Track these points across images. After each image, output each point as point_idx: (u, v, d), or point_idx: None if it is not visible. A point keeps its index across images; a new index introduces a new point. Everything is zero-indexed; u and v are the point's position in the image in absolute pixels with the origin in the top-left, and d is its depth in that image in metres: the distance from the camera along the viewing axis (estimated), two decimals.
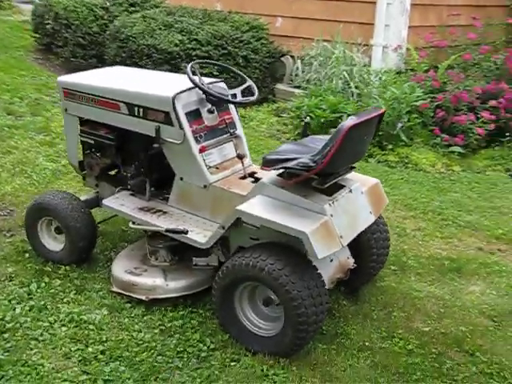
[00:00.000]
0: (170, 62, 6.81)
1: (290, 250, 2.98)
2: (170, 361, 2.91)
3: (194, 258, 3.39)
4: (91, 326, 3.11)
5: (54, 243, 3.68)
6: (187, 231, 3.21)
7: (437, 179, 5.48)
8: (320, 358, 2.99)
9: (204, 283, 3.39)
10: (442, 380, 2.91)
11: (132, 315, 3.24)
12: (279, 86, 7.40)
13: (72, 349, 2.94)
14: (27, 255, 3.71)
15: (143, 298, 3.30)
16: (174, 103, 3.22)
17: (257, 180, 3.38)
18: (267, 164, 3.05)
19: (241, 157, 3.48)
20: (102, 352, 2.93)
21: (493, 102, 5.95)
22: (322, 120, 5.91)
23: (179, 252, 3.53)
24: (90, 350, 2.94)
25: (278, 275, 2.82)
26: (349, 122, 2.80)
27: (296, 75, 7.21)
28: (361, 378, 2.88)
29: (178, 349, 2.99)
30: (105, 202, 3.59)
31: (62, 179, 4.88)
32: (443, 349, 3.13)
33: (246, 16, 7.60)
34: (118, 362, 2.87)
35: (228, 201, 3.26)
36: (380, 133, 5.80)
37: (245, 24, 7.35)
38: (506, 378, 2.94)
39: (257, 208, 2.97)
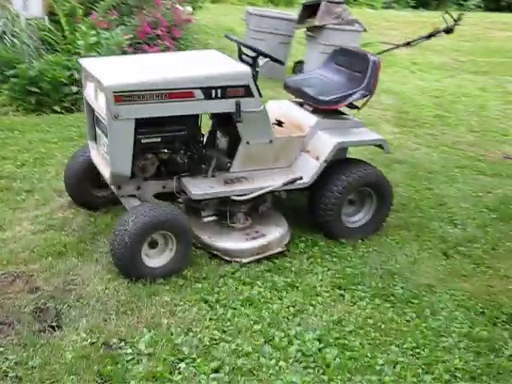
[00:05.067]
0: None
1: (360, 160, 4.14)
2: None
3: (260, 207, 3.95)
4: (318, 299, 3.38)
5: (150, 260, 3.40)
6: (301, 177, 3.80)
7: None
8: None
9: None
10: None
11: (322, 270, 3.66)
12: None
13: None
14: (140, 284, 3.29)
15: (280, 250, 3.74)
16: (253, 75, 3.56)
17: (280, 124, 4.10)
18: (334, 103, 3.94)
19: None
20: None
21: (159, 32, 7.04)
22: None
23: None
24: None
25: (382, 177, 4.01)
26: (376, 57, 4.05)
27: None
28: None
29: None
30: (195, 192, 3.54)
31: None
32: None
33: None
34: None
35: (291, 145, 3.93)
36: None
37: None
38: None
39: (342, 136, 3.91)
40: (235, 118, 3.56)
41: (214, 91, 3.44)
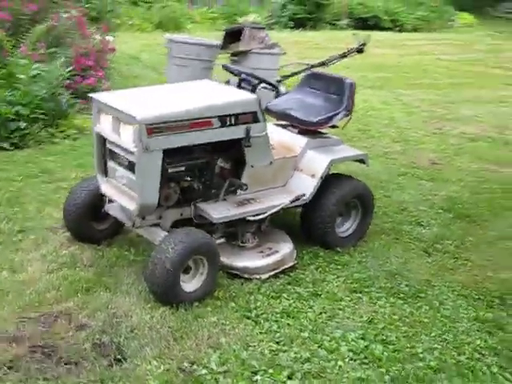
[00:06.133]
0: None
1: (345, 174, 4.51)
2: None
3: (262, 226, 4.20)
4: (342, 303, 3.68)
5: (186, 285, 3.51)
6: (305, 194, 4.08)
7: None
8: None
9: None
10: None
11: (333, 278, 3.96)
12: None
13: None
14: (182, 309, 3.40)
15: (292, 263, 4.00)
16: (259, 102, 3.82)
17: None
18: (321, 124, 4.29)
19: None
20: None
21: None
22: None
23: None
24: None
25: (367, 188, 4.42)
26: (351, 79, 4.47)
27: None
28: None
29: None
30: (216, 216, 3.70)
31: None
32: None
33: None
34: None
35: (287, 165, 4.23)
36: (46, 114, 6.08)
37: None
38: None
39: (332, 154, 4.27)
40: (244, 144, 3.78)
41: (228, 119, 3.65)
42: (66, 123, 6.18)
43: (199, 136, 3.56)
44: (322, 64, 4.88)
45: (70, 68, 6.47)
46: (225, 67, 4.19)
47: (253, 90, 3.95)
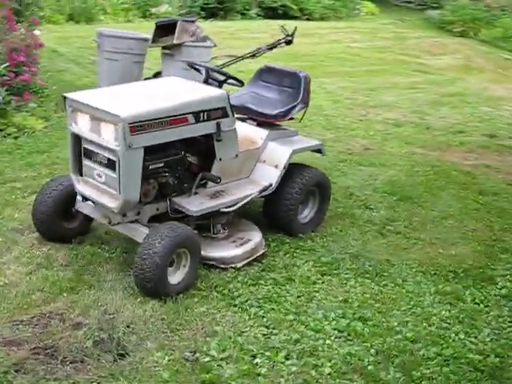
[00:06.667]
0: None
1: (304, 164, 4.73)
2: None
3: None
4: (317, 286, 3.92)
5: (171, 278, 3.61)
6: (272, 183, 4.26)
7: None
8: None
9: None
10: None
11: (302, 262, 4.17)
12: None
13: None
14: (170, 302, 3.50)
15: (263, 251, 4.18)
16: (228, 98, 3.96)
17: None
18: (282, 116, 4.49)
19: None
20: None
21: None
22: None
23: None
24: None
25: (325, 176, 4.67)
26: (305, 73, 4.70)
27: None
28: None
29: None
30: (194, 209, 3.81)
31: None
32: None
33: None
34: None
35: (250, 157, 4.40)
36: None
37: None
38: None
39: (292, 145, 4.49)
40: (215, 138, 3.92)
41: (201, 115, 3.77)
42: (6, 122, 5.98)
43: (176, 132, 3.66)
44: (252, 56, 5.06)
45: (6, 64, 6.25)
46: (190, 64, 4.27)
47: (220, 86, 4.07)
